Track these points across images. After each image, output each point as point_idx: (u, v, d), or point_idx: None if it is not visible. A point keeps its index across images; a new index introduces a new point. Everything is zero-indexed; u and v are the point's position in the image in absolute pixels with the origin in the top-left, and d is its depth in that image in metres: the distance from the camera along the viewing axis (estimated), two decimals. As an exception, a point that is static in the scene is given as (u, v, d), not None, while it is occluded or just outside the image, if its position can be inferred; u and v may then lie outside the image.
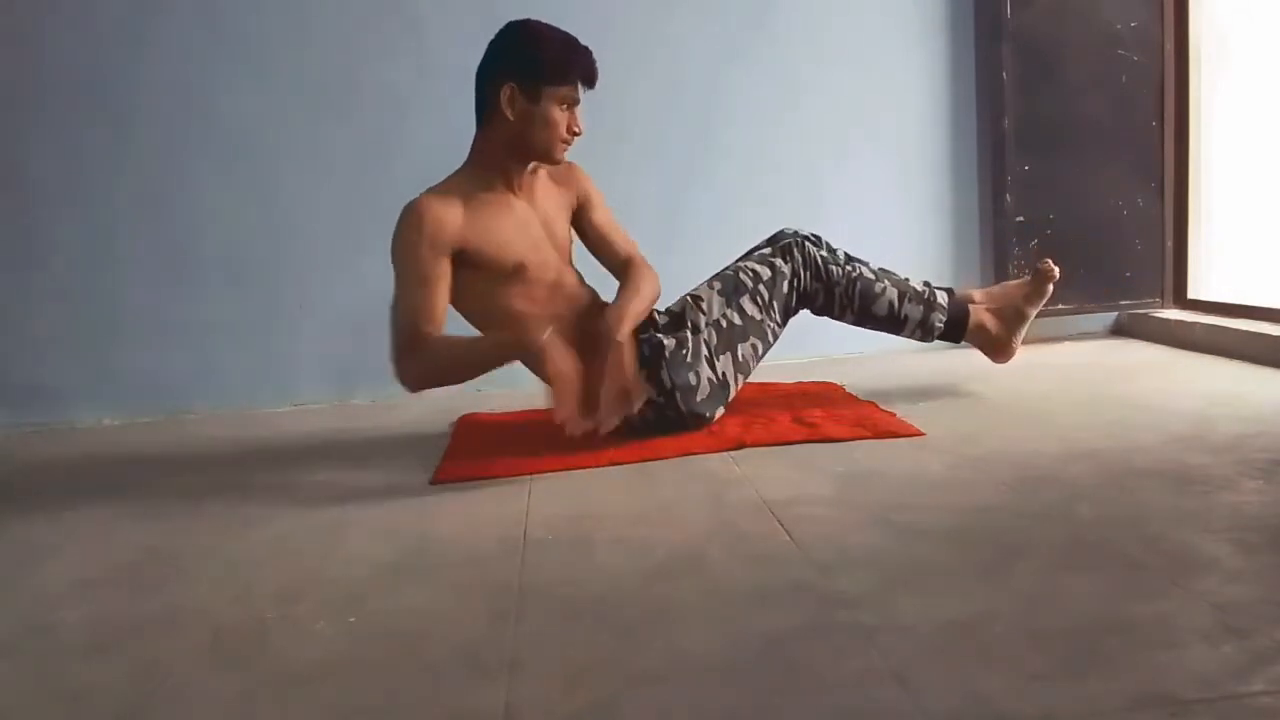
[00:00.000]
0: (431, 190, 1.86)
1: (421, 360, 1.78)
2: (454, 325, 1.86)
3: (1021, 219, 2.85)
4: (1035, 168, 2.84)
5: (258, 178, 2.65)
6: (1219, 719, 0.82)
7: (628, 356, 1.79)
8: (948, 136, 2.91)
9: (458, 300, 1.88)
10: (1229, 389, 2.11)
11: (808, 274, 2.02)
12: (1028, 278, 2.18)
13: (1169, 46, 2.85)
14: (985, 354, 2.19)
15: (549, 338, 1.72)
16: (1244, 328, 2.46)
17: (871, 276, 2.05)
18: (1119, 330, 3.00)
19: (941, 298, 2.09)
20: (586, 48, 1.85)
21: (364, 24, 2.65)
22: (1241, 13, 2.80)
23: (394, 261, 1.83)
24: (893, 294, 2.05)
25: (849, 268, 2.03)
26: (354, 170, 2.68)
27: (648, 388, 1.84)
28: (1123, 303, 2.93)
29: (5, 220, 2.59)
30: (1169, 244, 2.91)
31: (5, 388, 2.61)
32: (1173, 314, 2.84)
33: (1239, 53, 2.81)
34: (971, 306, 2.13)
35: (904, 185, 2.91)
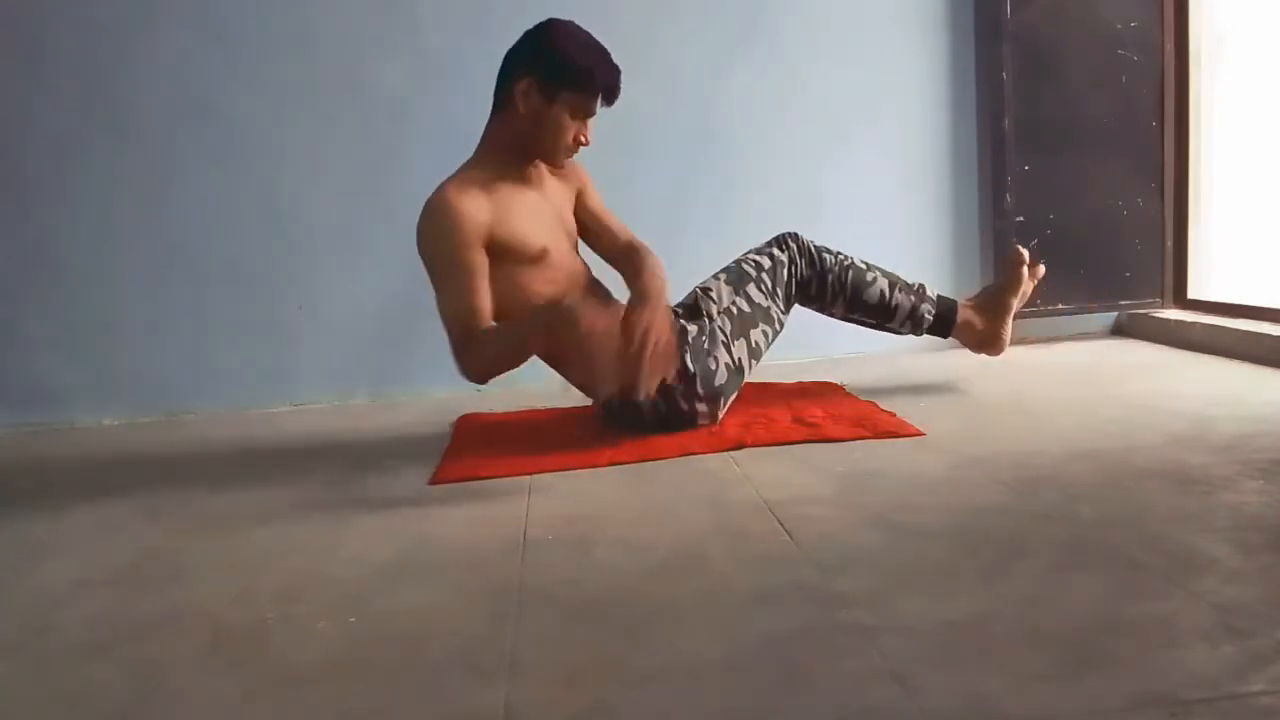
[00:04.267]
0: (452, 182, 1.84)
1: (478, 355, 1.78)
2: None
3: (1021, 219, 2.84)
4: (1035, 168, 2.84)
5: (257, 178, 2.65)
6: (1219, 719, 0.82)
7: (668, 315, 1.76)
8: (948, 136, 2.91)
9: None
10: (1229, 389, 2.11)
11: (803, 261, 2.09)
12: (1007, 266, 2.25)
13: (1169, 46, 2.85)
14: (976, 350, 2.25)
15: (576, 301, 1.70)
16: (1244, 328, 2.46)
17: (863, 267, 2.12)
18: (1119, 330, 3.00)
19: (931, 292, 2.17)
20: (616, 65, 1.84)
21: (364, 24, 2.65)
22: (1241, 13, 2.80)
23: (430, 259, 1.82)
24: (883, 283, 2.12)
25: (841, 257, 2.11)
26: (354, 170, 2.68)
27: (676, 356, 1.80)
28: (1123, 303, 2.93)
29: (4, 221, 2.59)
30: (1169, 244, 2.91)
31: (5, 388, 2.61)
32: (1172, 314, 2.84)
33: (1239, 53, 2.81)
34: (960, 304, 2.19)
35: (904, 185, 2.91)
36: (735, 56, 2.79)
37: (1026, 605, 1.07)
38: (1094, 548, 1.23)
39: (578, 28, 1.85)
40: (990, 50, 2.84)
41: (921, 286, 2.16)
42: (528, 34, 1.85)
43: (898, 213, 2.90)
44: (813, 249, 2.10)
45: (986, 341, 2.22)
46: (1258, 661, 0.90)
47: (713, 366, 1.94)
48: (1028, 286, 2.21)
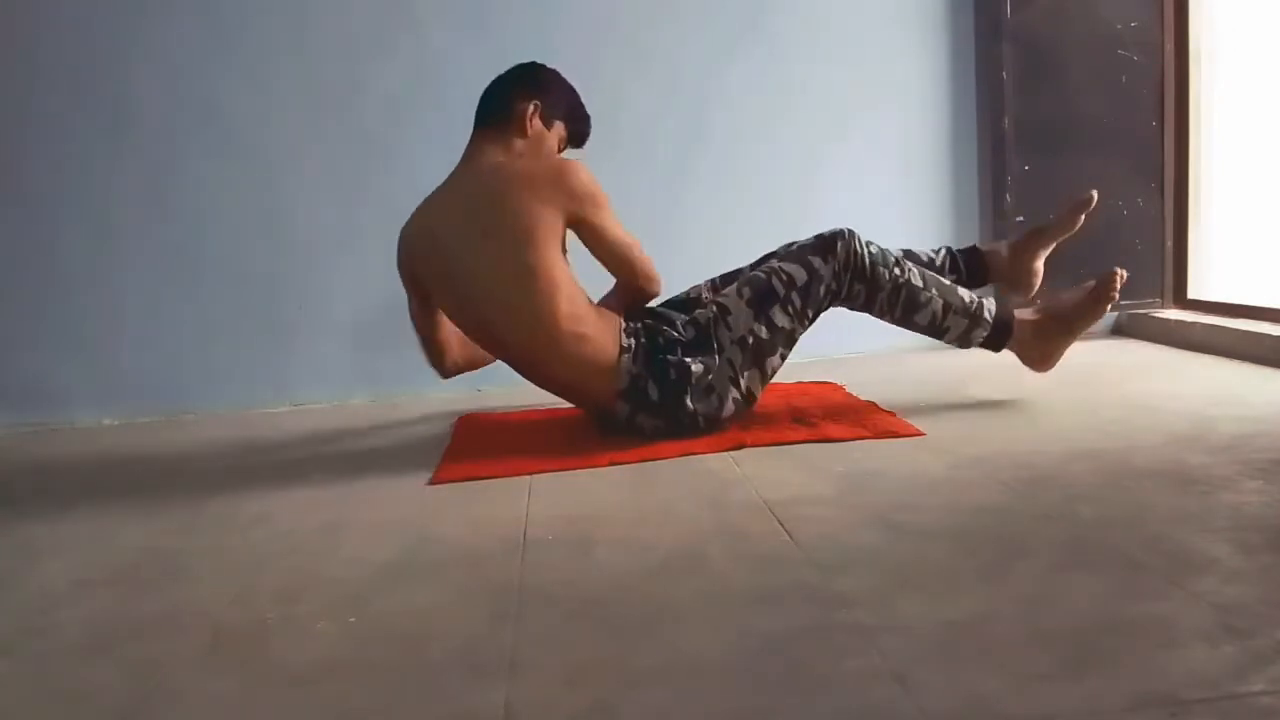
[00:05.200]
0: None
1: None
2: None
3: (1021, 219, 2.84)
4: (1035, 168, 2.84)
5: (258, 178, 2.65)
6: (1219, 719, 0.82)
7: None
8: (948, 136, 2.91)
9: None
10: (1229, 389, 2.11)
11: (848, 275, 1.91)
12: (1090, 285, 2.02)
13: (1169, 46, 2.85)
14: (1023, 363, 2.08)
15: None
16: (1243, 328, 2.46)
17: (919, 284, 1.93)
18: (1119, 330, 3.00)
19: (988, 311, 1.98)
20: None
21: (364, 24, 2.65)
22: (1241, 13, 2.80)
23: (604, 204, 1.88)
24: (938, 305, 1.94)
25: (897, 270, 1.92)
26: (354, 170, 2.68)
27: None
28: (1123, 303, 2.91)
29: (4, 220, 2.59)
30: (1169, 244, 2.91)
31: (5, 388, 2.61)
32: (1173, 314, 2.84)
33: (1239, 53, 2.81)
34: (1016, 320, 2.01)
35: (904, 185, 2.91)
36: (735, 56, 2.79)
37: (1026, 605, 1.07)
38: (1094, 548, 1.23)
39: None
40: (990, 50, 2.84)
41: (980, 307, 1.97)
42: (523, 68, 1.99)
43: (897, 213, 2.90)
44: (866, 261, 1.90)
45: (1036, 360, 2.05)
46: (1258, 661, 0.90)
47: (716, 404, 1.90)
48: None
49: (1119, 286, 1.99)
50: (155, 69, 2.60)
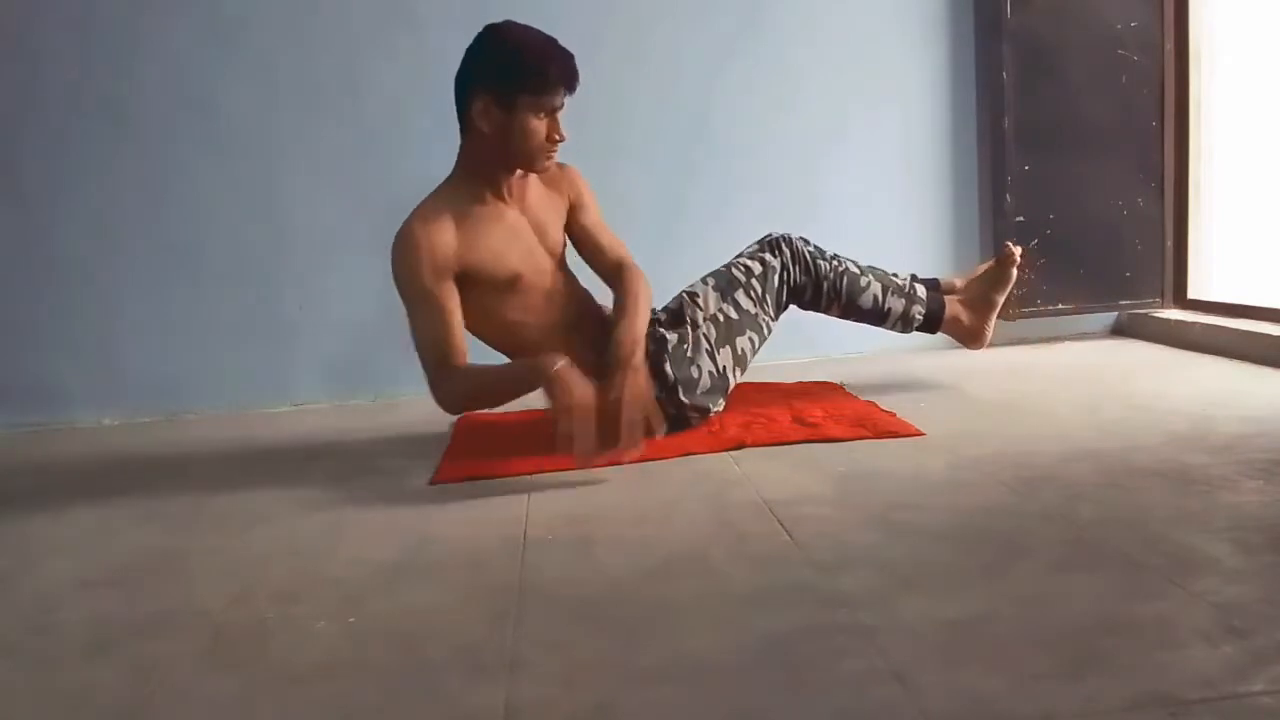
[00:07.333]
0: (420, 212, 1.82)
1: (453, 390, 1.80)
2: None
3: (1021, 219, 2.84)
4: (1035, 168, 2.84)
5: (258, 178, 2.65)
6: (1219, 719, 0.82)
7: (645, 381, 1.77)
8: (948, 136, 2.91)
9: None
10: (1229, 389, 2.11)
11: (797, 268, 2.08)
12: (992, 262, 2.26)
13: (1169, 46, 2.85)
14: (960, 343, 2.27)
15: (561, 369, 1.68)
16: (1243, 328, 2.46)
17: (856, 271, 2.12)
18: (1119, 330, 3.00)
19: (921, 292, 2.17)
20: (566, 51, 1.78)
21: (364, 24, 2.65)
22: (1241, 13, 2.80)
23: (401, 290, 1.82)
24: (877, 288, 2.12)
25: (834, 262, 2.11)
26: (353, 170, 2.68)
27: (657, 414, 1.79)
28: (1123, 303, 2.93)
29: (4, 220, 2.59)
30: (1169, 244, 2.91)
31: (5, 388, 2.61)
32: (1173, 314, 2.84)
33: (1239, 52, 2.81)
34: (947, 299, 2.21)
35: (904, 185, 2.91)
36: (733, 56, 2.78)
37: (1026, 605, 1.07)
38: (1094, 548, 1.23)
39: (513, 26, 1.80)
40: (990, 50, 2.84)
41: (913, 288, 2.16)
42: (469, 50, 1.80)
43: (897, 213, 2.90)
44: (806, 255, 2.08)
45: (970, 336, 2.24)
46: (1258, 661, 0.90)
47: (695, 375, 1.93)
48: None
49: (1015, 254, 2.20)
50: (155, 68, 2.59)
